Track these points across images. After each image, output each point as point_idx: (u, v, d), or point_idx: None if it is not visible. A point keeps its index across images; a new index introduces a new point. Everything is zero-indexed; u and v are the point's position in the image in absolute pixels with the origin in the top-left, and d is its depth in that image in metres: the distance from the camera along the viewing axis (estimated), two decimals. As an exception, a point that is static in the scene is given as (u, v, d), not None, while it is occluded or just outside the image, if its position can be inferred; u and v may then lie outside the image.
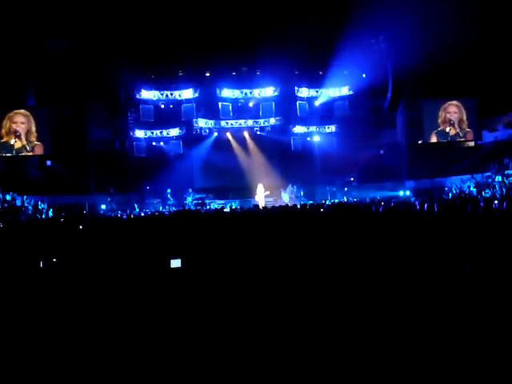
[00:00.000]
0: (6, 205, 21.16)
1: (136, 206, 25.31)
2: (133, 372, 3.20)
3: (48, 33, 25.05)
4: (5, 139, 26.11)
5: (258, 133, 29.83)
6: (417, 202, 15.08)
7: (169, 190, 26.90)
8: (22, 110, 26.34)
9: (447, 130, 28.55)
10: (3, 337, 3.55)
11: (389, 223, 8.04)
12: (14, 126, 26.13)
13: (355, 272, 4.84)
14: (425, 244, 5.76)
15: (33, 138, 26.44)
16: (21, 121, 26.22)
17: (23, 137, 26.28)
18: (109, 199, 26.09)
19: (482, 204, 9.61)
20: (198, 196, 27.17)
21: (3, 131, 26.09)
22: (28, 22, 23.27)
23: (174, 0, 24.10)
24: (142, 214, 20.89)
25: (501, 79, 24.30)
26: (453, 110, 28.50)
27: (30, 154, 26.54)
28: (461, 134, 28.66)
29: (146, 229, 10.34)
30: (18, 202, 22.28)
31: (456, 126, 28.53)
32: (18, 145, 26.24)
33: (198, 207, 24.85)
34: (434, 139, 28.62)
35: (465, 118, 28.45)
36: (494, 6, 23.04)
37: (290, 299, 4.21)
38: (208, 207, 25.27)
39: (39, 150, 26.58)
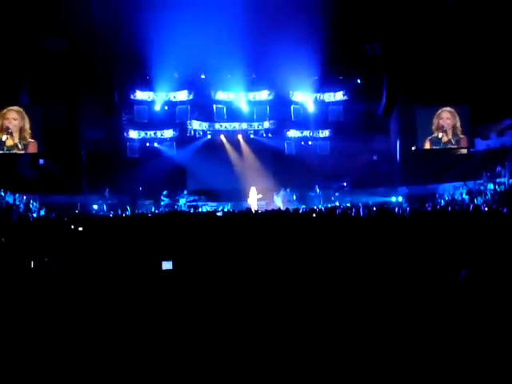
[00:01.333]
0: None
1: (128, 207, 25.21)
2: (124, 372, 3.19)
3: (43, 30, 24.97)
4: (3, 137, 25.82)
5: (252, 136, 29.82)
6: (408, 209, 15.14)
7: (165, 192, 26.79)
8: (15, 107, 26.11)
9: (440, 136, 28.48)
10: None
11: (380, 228, 8.04)
12: (6, 122, 25.90)
13: (347, 278, 4.84)
14: (419, 250, 5.77)
15: (26, 136, 26.21)
16: (13, 117, 25.94)
17: (16, 134, 26.03)
18: (100, 201, 26.04)
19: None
20: (191, 198, 27.12)
21: (-1, 128, 25.83)
22: (23, 19, 23.19)
23: (169, 1, 24.05)
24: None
25: (494, 86, 24.40)
26: (446, 116, 28.41)
27: (22, 152, 26.31)
28: (453, 141, 28.56)
29: (137, 229, 10.31)
30: (10, 200, 22.18)
31: (449, 132, 28.46)
32: (9, 142, 25.95)
33: (191, 209, 24.84)
34: (427, 146, 28.56)
35: (458, 124, 28.31)
36: (487, 14, 23.16)
37: (282, 302, 4.21)
38: (200, 209, 25.22)
39: (33, 148, 26.31)
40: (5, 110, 25.92)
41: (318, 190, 28.03)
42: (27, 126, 26.12)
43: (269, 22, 23.93)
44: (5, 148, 25.94)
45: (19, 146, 26.12)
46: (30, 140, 26.19)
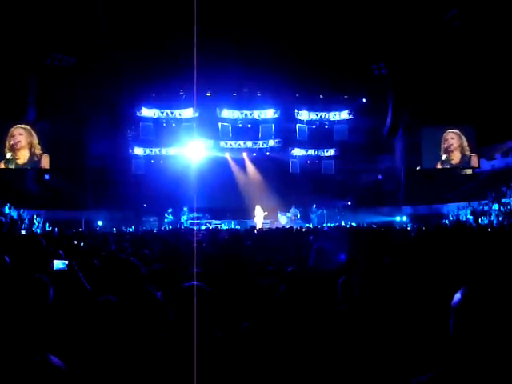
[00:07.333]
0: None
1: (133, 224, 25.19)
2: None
3: (51, 47, 25.20)
4: (8, 155, 25.80)
5: (254, 154, 29.92)
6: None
7: (170, 210, 26.72)
8: (21, 125, 26.04)
9: (447, 157, 28.29)
10: None
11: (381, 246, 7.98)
12: (12, 140, 25.82)
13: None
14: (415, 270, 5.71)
15: (37, 151, 26.16)
16: (19, 132, 25.84)
17: (26, 151, 25.99)
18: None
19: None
20: (192, 215, 26.98)
21: (7, 146, 25.82)
22: (32, 36, 23.39)
23: (178, 20, 24.26)
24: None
25: (498, 107, 24.42)
26: (450, 137, 28.32)
27: (36, 167, 26.30)
28: (462, 161, 28.33)
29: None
30: (15, 215, 22.24)
31: (456, 153, 28.30)
32: (21, 160, 25.94)
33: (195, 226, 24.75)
34: (438, 166, 28.34)
35: (465, 144, 28.15)
36: (492, 35, 23.23)
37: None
38: (205, 226, 25.15)
39: (45, 163, 26.22)
40: (12, 129, 25.89)
41: (317, 210, 27.83)
42: (35, 141, 26.10)
43: (274, 41, 24.07)
44: (16, 165, 25.88)
45: (33, 160, 26.06)
46: (43, 154, 26.12)
